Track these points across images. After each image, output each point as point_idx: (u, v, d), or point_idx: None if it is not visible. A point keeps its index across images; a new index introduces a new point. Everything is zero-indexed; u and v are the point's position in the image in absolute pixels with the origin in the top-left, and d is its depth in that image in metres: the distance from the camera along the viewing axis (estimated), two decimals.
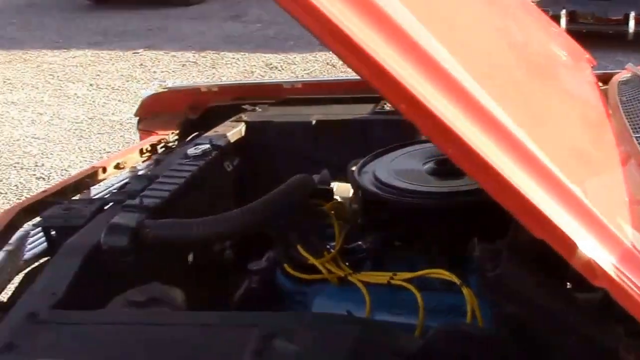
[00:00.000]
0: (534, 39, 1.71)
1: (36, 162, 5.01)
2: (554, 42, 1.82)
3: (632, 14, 6.36)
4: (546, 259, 1.00)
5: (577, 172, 1.05)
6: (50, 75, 7.22)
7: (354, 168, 1.80)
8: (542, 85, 1.38)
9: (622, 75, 2.08)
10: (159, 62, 7.38)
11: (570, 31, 6.29)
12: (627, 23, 6.45)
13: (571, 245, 0.88)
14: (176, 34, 8.47)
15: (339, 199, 1.81)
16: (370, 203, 1.69)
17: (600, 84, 2.06)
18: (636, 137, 1.60)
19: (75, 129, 5.64)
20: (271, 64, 6.97)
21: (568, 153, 1.12)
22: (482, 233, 1.33)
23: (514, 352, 1.10)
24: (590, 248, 0.89)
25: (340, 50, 0.88)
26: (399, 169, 1.75)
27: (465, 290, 1.43)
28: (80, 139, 5.42)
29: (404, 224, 1.64)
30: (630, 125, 1.67)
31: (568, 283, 1.19)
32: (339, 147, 2.21)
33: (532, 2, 6.49)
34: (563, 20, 6.61)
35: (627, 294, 0.89)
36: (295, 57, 7.13)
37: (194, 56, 7.47)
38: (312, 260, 1.61)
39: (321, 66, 6.84)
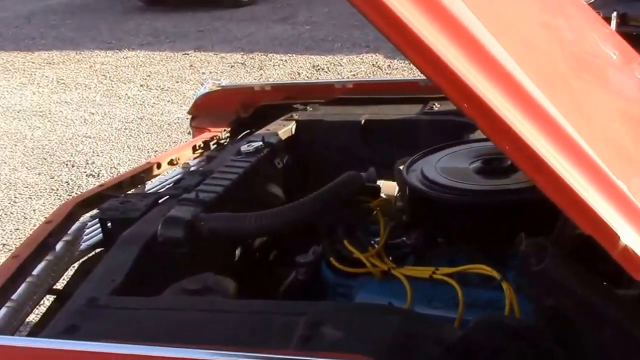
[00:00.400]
0: (585, 38, 1.73)
1: (87, 160, 5.15)
2: (604, 41, 1.83)
3: None
4: (589, 256, 1.03)
5: (624, 169, 1.08)
6: (103, 75, 7.40)
7: (401, 166, 1.85)
8: (591, 83, 1.40)
9: None
10: (208, 63, 7.51)
11: (620, 33, 6.27)
12: None
13: (616, 240, 0.91)
14: (225, 35, 8.61)
15: (385, 197, 1.86)
16: (416, 200, 1.73)
17: None
18: None
19: (125, 129, 5.79)
20: (318, 66, 7.04)
21: (615, 151, 1.14)
22: (524, 231, 1.37)
23: (550, 343, 1.13)
24: (634, 243, 0.92)
25: (407, 49, 0.91)
26: (446, 167, 1.78)
27: (504, 285, 1.46)
28: (130, 138, 5.56)
29: (447, 221, 1.68)
30: None
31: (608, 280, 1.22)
32: (386, 147, 2.26)
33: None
34: (613, 23, 6.41)
35: None
36: (342, 59, 7.18)
37: (242, 57, 7.58)
38: (357, 254, 1.66)
39: (367, 68, 6.88)
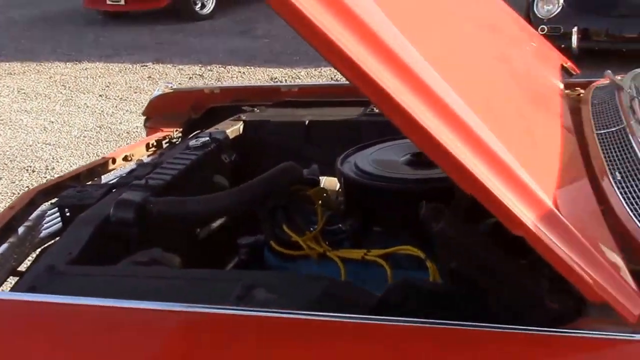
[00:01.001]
0: (501, 36, 1.91)
1: (47, 166, 5.22)
2: (526, 42, 2.02)
3: None
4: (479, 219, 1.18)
5: (518, 146, 1.23)
6: (62, 85, 7.45)
7: (338, 162, 2.01)
8: (497, 74, 1.57)
9: (601, 82, 2.28)
10: (166, 75, 7.60)
11: (582, 49, 6.39)
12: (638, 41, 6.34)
13: (495, 200, 1.07)
14: (185, 48, 8.71)
15: (323, 187, 2.01)
16: (350, 188, 1.88)
17: (582, 90, 2.27)
18: (597, 133, 1.80)
19: (84, 137, 5.86)
20: (276, 78, 7.18)
21: (510, 129, 1.30)
22: None
23: (458, 301, 1.29)
24: (512, 204, 1.08)
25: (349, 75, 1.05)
26: (378, 159, 1.94)
27: (429, 264, 1.62)
28: (89, 146, 5.63)
29: (378, 207, 1.84)
30: (594, 122, 1.86)
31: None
32: (330, 146, 2.40)
33: (545, 19, 6.64)
34: (574, 38, 6.56)
35: (542, 242, 1.08)
36: (300, 72, 7.34)
37: (200, 70, 7.69)
38: (295, 237, 1.81)
39: (325, 81, 7.03)
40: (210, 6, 10.29)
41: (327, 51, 1.02)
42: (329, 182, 2.14)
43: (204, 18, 10.10)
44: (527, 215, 1.08)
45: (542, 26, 6.72)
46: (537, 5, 6.91)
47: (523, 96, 1.66)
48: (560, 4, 6.85)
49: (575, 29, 6.59)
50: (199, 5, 10.19)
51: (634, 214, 1.36)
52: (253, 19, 9.93)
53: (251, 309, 1.27)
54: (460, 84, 1.19)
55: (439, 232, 1.29)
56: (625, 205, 1.40)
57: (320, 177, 2.12)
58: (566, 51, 6.34)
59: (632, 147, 1.60)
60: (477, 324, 1.16)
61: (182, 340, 1.28)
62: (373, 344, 1.21)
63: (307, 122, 2.47)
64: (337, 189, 2.09)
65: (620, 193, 1.44)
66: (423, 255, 1.64)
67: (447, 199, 1.66)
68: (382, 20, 1.12)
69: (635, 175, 1.48)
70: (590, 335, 1.13)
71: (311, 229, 1.86)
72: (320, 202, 1.89)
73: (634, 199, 1.41)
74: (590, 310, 1.18)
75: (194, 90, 2.89)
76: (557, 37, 6.59)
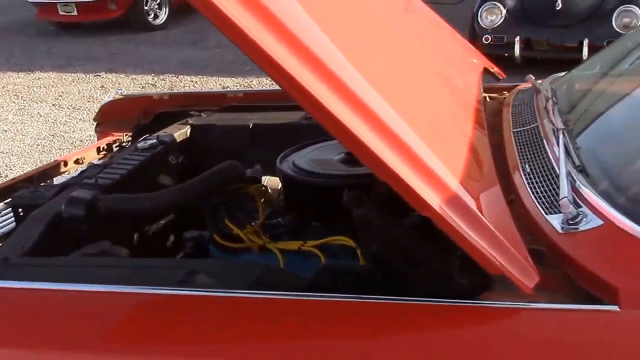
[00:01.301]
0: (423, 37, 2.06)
1: (0, 174, 5.25)
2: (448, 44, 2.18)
3: (586, 41, 6.54)
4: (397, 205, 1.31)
5: (429, 138, 1.36)
6: (15, 95, 7.44)
7: (278, 161, 2.13)
8: (415, 75, 1.71)
9: (523, 85, 2.44)
10: (119, 84, 7.64)
11: (524, 57, 6.65)
12: (581, 50, 6.55)
13: (405, 186, 1.20)
14: (137, 58, 8.75)
15: (264, 185, 2.13)
16: (288, 184, 2.01)
17: (507, 93, 2.43)
18: (513, 131, 1.95)
19: (38, 145, 5.88)
20: (228, 87, 7.28)
21: (422, 123, 1.43)
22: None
23: (379, 280, 1.41)
24: (418, 186, 1.21)
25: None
26: (314, 158, 2.07)
27: (359, 252, 1.75)
28: (42, 154, 5.66)
29: (314, 202, 1.96)
30: (512, 121, 2.02)
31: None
32: (273, 148, 2.52)
33: (489, 29, 6.89)
34: (517, 47, 6.81)
35: (447, 223, 1.22)
36: (251, 81, 7.45)
37: (153, 79, 7.75)
38: (236, 230, 1.92)
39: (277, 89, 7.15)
40: (163, 17, 10.36)
41: (244, 46, 1.13)
42: (272, 182, 2.26)
43: (156, 28, 10.16)
44: (433, 199, 1.21)
45: (486, 36, 6.99)
46: (481, 15, 7.17)
47: (439, 96, 1.81)
48: (503, 15, 7.11)
49: (517, 39, 6.87)
50: (152, 16, 10.25)
51: (538, 202, 1.51)
52: (205, 29, 10.00)
53: (192, 289, 1.38)
54: (378, 83, 1.32)
55: (359, 217, 1.42)
56: (531, 194, 1.55)
57: (264, 177, 2.24)
58: (509, 60, 6.62)
59: (542, 143, 1.75)
60: (389, 297, 1.29)
61: (128, 320, 1.39)
62: (302, 319, 1.33)
63: (251, 125, 2.58)
64: (278, 188, 2.21)
65: (528, 184, 1.59)
66: (354, 244, 1.76)
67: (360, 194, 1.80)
68: (305, 21, 1.25)
69: (542, 168, 1.64)
70: (491, 305, 1.26)
71: (252, 223, 1.97)
72: (261, 198, 2.01)
73: (539, 188, 1.56)
74: (497, 285, 1.32)
75: (143, 97, 2.99)
76: (500, 46, 6.87)
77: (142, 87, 7.49)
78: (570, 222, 1.39)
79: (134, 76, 7.92)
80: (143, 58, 8.74)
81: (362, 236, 1.54)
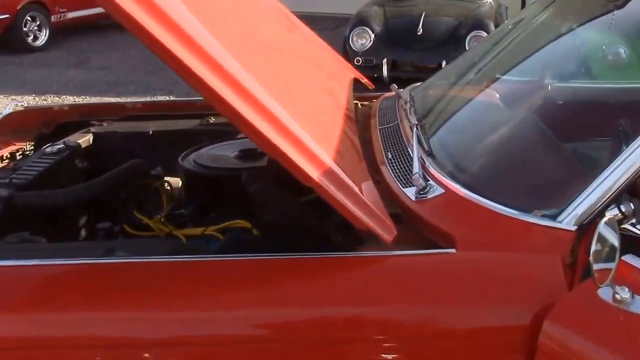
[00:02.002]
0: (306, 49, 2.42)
1: None
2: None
3: (444, 62, 7.07)
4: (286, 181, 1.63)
5: (310, 128, 1.69)
6: None
7: (180, 159, 2.40)
8: (299, 81, 2.05)
9: (388, 94, 2.83)
10: None
11: (392, 77, 7.23)
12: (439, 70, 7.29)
13: (291, 162, 1.52)
14: (17, 78, 8.65)
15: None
16: (189, 178, 2.29)
17: (375, 100, 2.81)
18: (379, 128, 2.32)
19: None
20: None
21: (305, 117, 1.77)
22: None
23: (272, 246, 1.72)
24: (302, 163, 1.53)
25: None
26: (212, 155, 2.37)
27: (255, 231, 2.05)
28: None
29: (211, 192, 2.25)
30: (379, 121, 2.38)
31: None
32: (171, 152, 2.78)
33: (359, 52, 7.44)
34: (385, 68, 7.40)
35: (325, 191, 1.55)
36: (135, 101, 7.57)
37: (34, 100, 7.72)
38: (145, 220, 2.18)
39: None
40: (43, 38, 10.27)
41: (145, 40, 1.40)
42: (172, 182, 2.52)
43: (37, 50, 10.06)
44: (314, 173, 1.54)
45: (357, 58, 7.55)
46: (352, 39, 7.73)
47: (318, 98, 2.17)
48: (371, 39, 7.70)
49: (385, 60, 7.51)
50: (32, 37, 10.13)
51: (397, 179, 1.87)
52: (88, 51, 10.03)
53: (117, 257, 1.64)
54: (267, 85, 1.64)
55: (255, 191, 1.73)
56: (392, 174, 1.92)
57: (165, 178, 2.50)
58: (378, 79, 7.17)
59: (401, 136, 2.13)
60: (279, 254, 1.61)
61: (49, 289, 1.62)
62: (213, 278, 1.62)
63: (151, 132, 2.83)
64: (179, 185, 2.48)
65: (390, 166, 1.96)
66: (250, 225, 2.07)
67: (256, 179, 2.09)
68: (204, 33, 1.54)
69: (401, 154, 2.01)
70: (361, 255, 1.61)
71: (158, 214, 2.24)
72: (165, 192, 2.28)
73: (398, 169, 1.93)
74: (367, 242, 1.66)
75: (43, 108, 3.14)
76: (370, 68, 7.42)
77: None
78: (421, 192, 1.76)
79: (13, 96, 7.85)
80: (23, 79, 8.66)
81: (257, 208, 1.85)
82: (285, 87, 1.88)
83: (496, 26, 7.64)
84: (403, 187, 1.83)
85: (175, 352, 1.55)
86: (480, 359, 1.55)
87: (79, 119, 2.98)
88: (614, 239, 1.38)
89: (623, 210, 1.59)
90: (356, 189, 1.60)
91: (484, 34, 7.37)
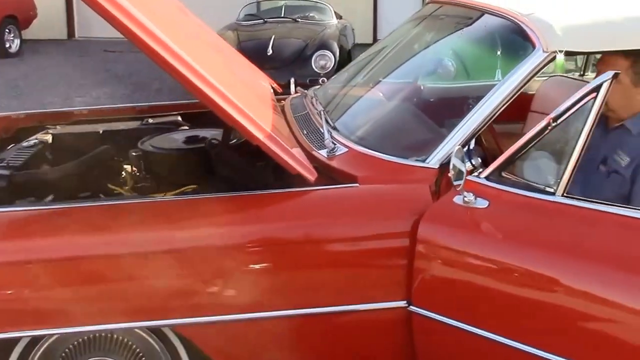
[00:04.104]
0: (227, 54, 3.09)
1: None
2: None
3: (292, 80, 8.02)
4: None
5: (253, 109, 2.35)
6: None
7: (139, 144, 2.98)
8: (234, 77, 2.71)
9: (295, 94, 3.51)
10: None
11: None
12: (289, 87, 8.11)
13: (242, 128, 2.17)
14: None
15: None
16: (146, 157, 2.86)
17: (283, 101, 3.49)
18: (294, 116, 2.99)
19: None
20: None
21: (246, 96, 2.42)
22: (206, 170, 2.60)
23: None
24: (251, 128, 2.19)
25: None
26: (165, 140, 2.96)
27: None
28: None
29: (166, 167, 2.83)
30: (292, 111, 3.06)
31: None
32: (119, 147, 3.33)
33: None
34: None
35: (267, 147, 2.20)
36: None
37: None
38: (118, 190, 2.75)
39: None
40: None
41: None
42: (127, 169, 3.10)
43: None
44: (260, 135, 2.20)
45: None
46: None
47: (254, 89, 2.84)
48: None
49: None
50: None
51: (314, 146, 2.55)
52: None
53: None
54: (214, 73, 2.29)
55: (216, 153, 2.36)
56: (309, 143, 2.59)
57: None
58: None
59: (311, 119, 2.82)
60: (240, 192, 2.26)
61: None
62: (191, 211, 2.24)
63: (101, 131, 3.37)
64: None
65: (307, 138, 2.64)
66: (197, 187, 2.67)
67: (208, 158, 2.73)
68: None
69: (313, 131, 2.69)
70: (292, 190, 2.27)
71: (126, 186, 2.81)
72: (130, 169, 2.86)
73: (314, 139, 2.60)
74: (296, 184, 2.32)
75: (3, 116, 3.60)
76: None
77: None
78: (331, 152, 2.44)
79: None
80: None
81: (217, 166, 2.48)
82: (229, 80, 2.53)
83: (340, 46, 8.60)
84: (318, 150, 2.51)
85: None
86: (375, 258, 2.23)
87: (34, 124, 3.47)
88: (461, 166, 2.11)
89: (473, 163, 2.29)
90: (288, 146, 2.27)
91: (329, 53, 8.26)
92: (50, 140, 3.24)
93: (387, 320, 2.26)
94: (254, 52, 8.28)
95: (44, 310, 2.14)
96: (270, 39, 8.44)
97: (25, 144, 3.03)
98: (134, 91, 9.24)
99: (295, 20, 9.35)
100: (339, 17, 10.03)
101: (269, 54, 8.23)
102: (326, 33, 8.91)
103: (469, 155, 2.22)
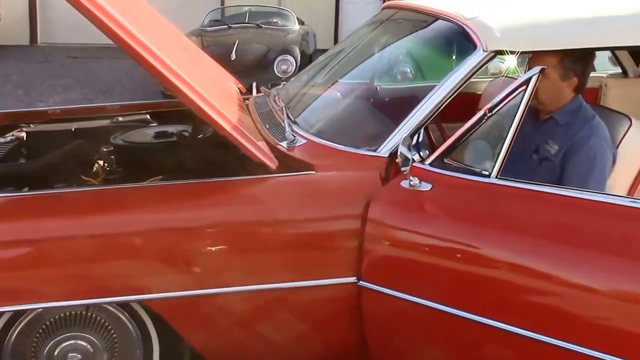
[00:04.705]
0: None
1: None
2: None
3: (255, 84, 7.85)
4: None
5: (221, 104, 2.56)
6: None
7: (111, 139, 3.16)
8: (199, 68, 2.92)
9: (259, 94, 3.72)
10: None
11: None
12: (251, 91, 8.17)
13: (212, 120, 2.38)
14: None
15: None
16: (118, 150, 3.05)
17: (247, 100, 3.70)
18: (258, 112, 3.20)
19: None
20: None
21: (215, 93, 2.63)
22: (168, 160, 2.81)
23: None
24: (219, 120, 2.39)
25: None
26: (136, 135, 3.15)
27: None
28: None
29: (137, 159, 3.02)
30: (256, 108, 3.27)
31: None
32: (91, 144, 3.50)
33: None
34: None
35: (234, 137, 2.41)
36: None
37: None
38: (91, 181, 2.93)
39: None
40: None
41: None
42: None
43: None
44: (227, 127, 2.40)
45: None
46: None
47: (221, 86, 3.05)
48: None
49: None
50: None
51: (276, 139, 2.76)
52: None
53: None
54: (185, 70, 2.50)
55: (185, 145, 2.57)
56: (271, 136, 2.80)
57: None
58: None
59: (273, 115, 3.04)
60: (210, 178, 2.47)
61: None
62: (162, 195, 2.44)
63: (73, 129, 3.54)
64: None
65: (269, 132, 2.85)
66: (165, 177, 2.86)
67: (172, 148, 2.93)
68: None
69: (275, 125, 2.90)
70: (257, 177, 2.48)
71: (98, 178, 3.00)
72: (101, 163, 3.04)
73: (275, 133, 2.81)
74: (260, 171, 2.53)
75: None
76: None
77: None
78: (290, 144, 2.66)
79: None
80: None
81: (186, 157, 2.68)
82: (199, 77, 2.74)
83: (302, 52, 8.86)
84: (280, 142, 2.72)
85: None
86: (329, 238, 2.44)
87: (9, 122, 3.62)
88: (407, 153, 2.34)
89: (420, 154, 2.51)
90: (252, 138, 2.48)
91: (290, 58, 8.53)
92: (24, 138, 3.40)
93: (339, 295, 2.46)
94: (218, 57, 8.29)
95: (22, 288, 2.32)
96: (234, 44, 8.65)
97: (1, 139, 3.19)
98: (96, 96, 9.35)
99: (258, 26, 9.59)
100: (301, 23, 10.30)
101: (232, 58, 8.42)
102: (288, 39, 9.17)
103: (417, 146, 2.45)
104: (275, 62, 8.49)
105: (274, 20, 9.92)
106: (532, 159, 2.70)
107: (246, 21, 9.82)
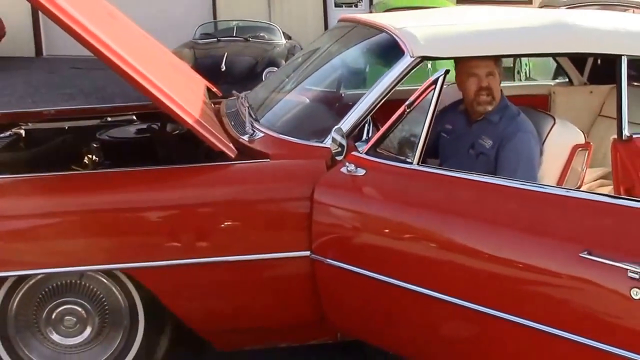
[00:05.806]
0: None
1: None
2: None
3: (243, 94, 8.30)
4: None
5: (188, 104, 2.88)
6: None
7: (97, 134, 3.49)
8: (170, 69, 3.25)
9: (231, 97, 4.04)
10: None
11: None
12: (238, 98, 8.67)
13: (178, 116, 2.70)
14: None
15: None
16: (105, 145, 3.38)
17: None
18: (226, 112, 3.52)
19: None
20: None
21: (182, 91, 2.96)
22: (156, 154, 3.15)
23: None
24: (183, 115, 2.71)
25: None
26: (120, 131, 3.48)
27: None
28: None
29: (121, 152, 3.34)
30: (226, 109, 3.60)
31: None
32: (83, 140, 3.81)
33: None
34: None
35: (198, 131, 2.73)
36: None
37: None
38: (80, 171, 3.25)
39: None
40: None
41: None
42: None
43: None
44: (190, 120, 2.73)
45: None
46: None
47: (187, 85, 3.38)
48: None
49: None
50: None
51: (240, 134, 3.08)
52: None
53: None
54: (153, 69, 2.82)
55: (157, 137, 2.89)
56: (235, 131, 3.13)
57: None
58: None
59: (239, 114, 3.36)
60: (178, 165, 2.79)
61: None
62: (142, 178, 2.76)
63: (67, 127, 3.86)
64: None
65: (234, 128, 3.18)
66: None
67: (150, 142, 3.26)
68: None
69: (239, 123, 3.22)
70: (218, 164, 2.80)
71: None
72: (90, 155, 3.37)
73: (238, 129, 3.14)
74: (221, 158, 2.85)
75: None
76: None
77: None
78: (250, 137, 2.99)
79: None
80: None
81: (159, 148, 3.01)
82: (167, 78, 3.06)
83: None
84: (241, 136, 3.04)
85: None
86: (282, 217, 2.75)
87: (7, 122, 3.93)
88: (342, 140, 2.66)
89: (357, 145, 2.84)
90: (213, 130, 2.81)
91: (277, 69, 8.75)
92: (23, 134, 3.72)
93: (296, 267, 2.77)
94: (209, 68, 8.83)
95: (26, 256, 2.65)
96: (224, 56, 8.98)
97: (1, 135, 3.51)
98: (100, 105, 9.64)
99: (246, 40, 9.95)
100: (287, 37, 10.64)
101: (222, 70, 8.80)
102: (275, 51, 9.52)
103: (358, 138, 2.78)
104: (264, 74, 8.83)
105: (261, 34, 10.27)
106: (469, 153, 3.00)
107: (234, 35, 10.18)
